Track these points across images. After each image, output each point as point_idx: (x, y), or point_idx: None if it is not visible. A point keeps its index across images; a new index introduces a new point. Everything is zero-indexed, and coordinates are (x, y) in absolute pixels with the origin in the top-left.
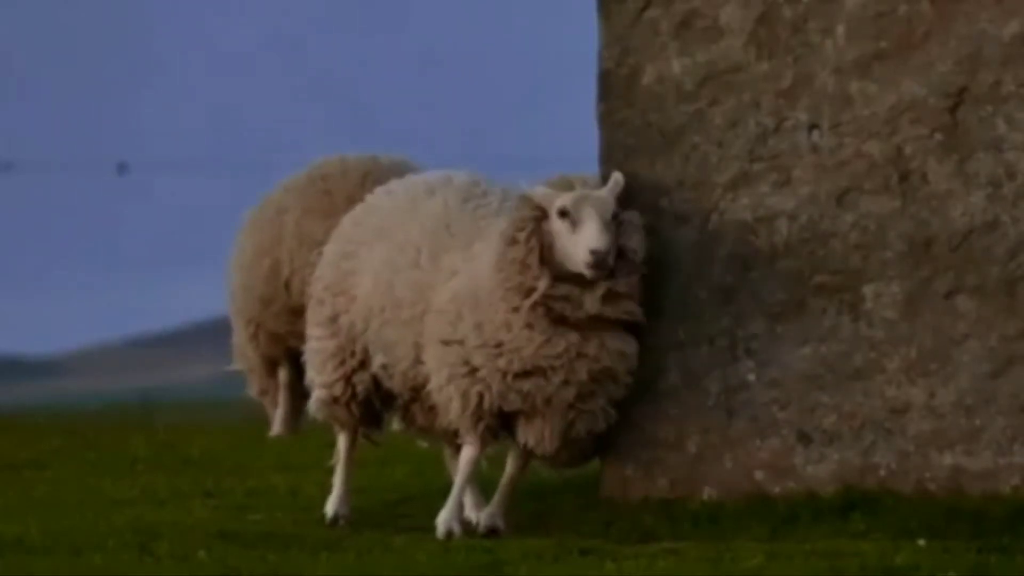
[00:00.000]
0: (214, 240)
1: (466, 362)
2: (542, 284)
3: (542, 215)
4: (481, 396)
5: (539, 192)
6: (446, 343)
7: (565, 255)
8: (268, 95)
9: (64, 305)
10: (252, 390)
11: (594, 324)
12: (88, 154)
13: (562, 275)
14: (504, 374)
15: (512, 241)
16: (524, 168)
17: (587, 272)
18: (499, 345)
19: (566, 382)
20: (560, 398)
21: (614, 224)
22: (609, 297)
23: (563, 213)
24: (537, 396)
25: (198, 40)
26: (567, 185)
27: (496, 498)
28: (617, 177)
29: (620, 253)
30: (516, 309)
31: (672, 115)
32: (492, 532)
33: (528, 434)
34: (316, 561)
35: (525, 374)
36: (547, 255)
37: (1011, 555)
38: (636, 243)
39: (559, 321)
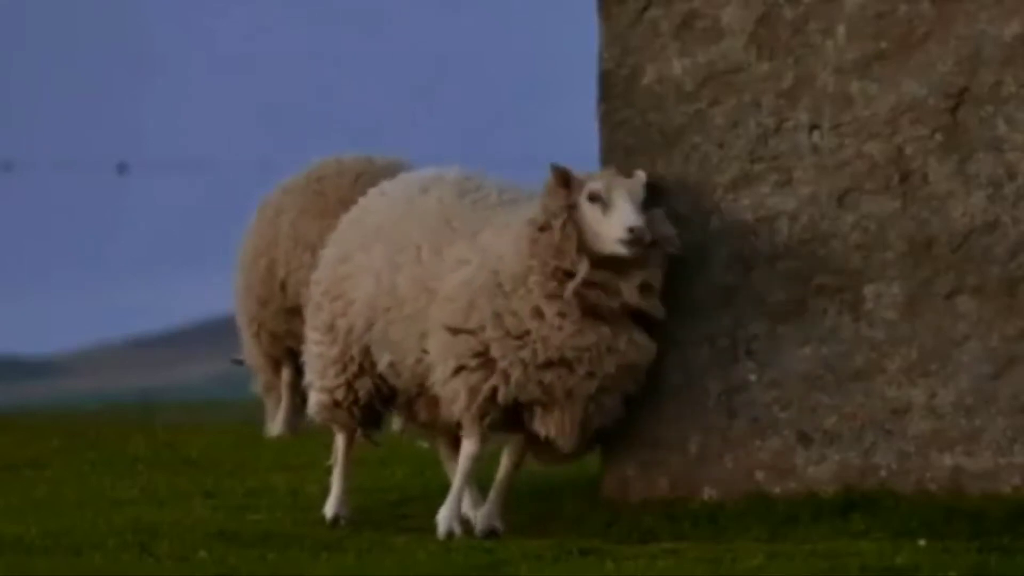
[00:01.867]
0: (214, 240)
1: (478, 353)
2: (583, 268)
3: (572, 201)
4: (494, 389)
5: (565, 173)
6: (454, 331)
7: (597, 239)
8: (268, 95)
9: (64, 305)
10: (258, 387)
11: (622, 317)
12: (88, 154)
13: (596, 262)
14: (526, 364)
15: (545, 227)
16: (524, 168)
17: (624, 250)
18: (524, 335)
19: (591, 374)
20: (582, 390)
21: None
22: (645, 288)
23: (593, 197)
24: (558, 387)
25: (198, 40)
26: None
27: (492, 498)
28: (640, 173)
29: (652, 242)
30: (551, 296)
31: (672, 115)
32: (491, 533)
33: (547, 425)
34: (316, 561)
35: (548, 364)
36: (579, 242)
37: (1011, 555)
38: (670, 232)
39: (590, 312)
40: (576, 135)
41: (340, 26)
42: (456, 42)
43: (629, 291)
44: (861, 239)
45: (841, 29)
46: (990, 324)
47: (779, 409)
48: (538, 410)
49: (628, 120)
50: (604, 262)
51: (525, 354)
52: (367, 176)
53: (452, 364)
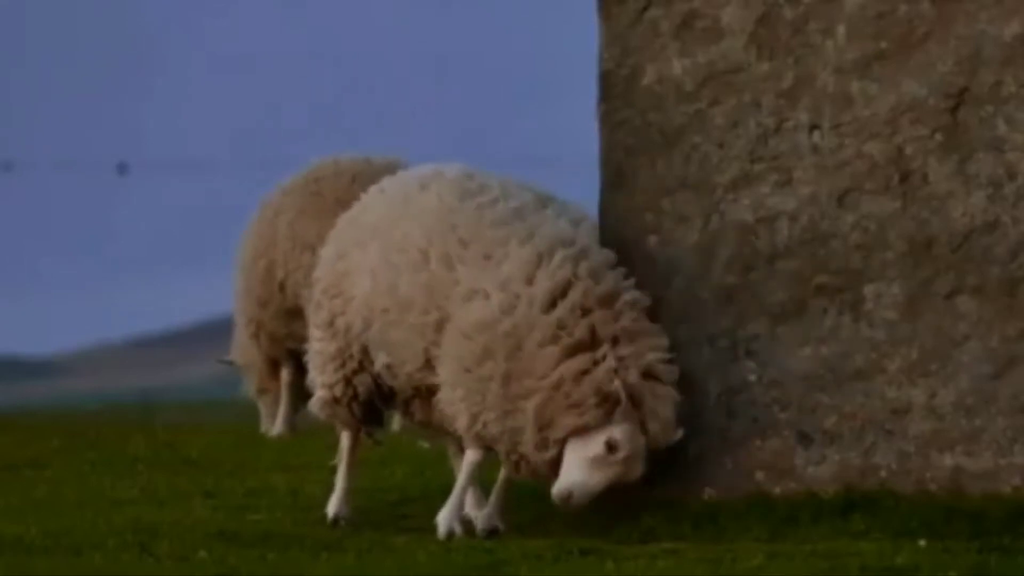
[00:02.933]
0: (214, 240)
1: (482, 394)
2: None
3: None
4: (485, 424)
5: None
6: (467, 371)
7: (570, 463)
8: (268, 95)
9: (64, 305)
10: (250, 389)
11: None
12: (88, 154)
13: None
14: (503, 429)
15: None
16: (524, 168)
17: (556, 500)
18: (516, 412)
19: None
20: (537, 459)
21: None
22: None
23: (611, 446)
24: (528, 452)
25: (198, 40)
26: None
27: (493, 498)
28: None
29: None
30: (575, 406)
31: (672, 115)
32: (491, 533)
33: (521, 473)
34: (316, 561)
35: (522, 436)
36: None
37: (1011, 555)
38: (662, 423)
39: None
40: (576, 135)
41: (340, 26)
42: (456, 42)
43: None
44: (861, 239)
45: (841, 29)
46: (990, 324)
47: (779, 409)
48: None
49: (628, 120)
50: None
51: (509, 423)
52: (365, 176)
53: (460, 393)
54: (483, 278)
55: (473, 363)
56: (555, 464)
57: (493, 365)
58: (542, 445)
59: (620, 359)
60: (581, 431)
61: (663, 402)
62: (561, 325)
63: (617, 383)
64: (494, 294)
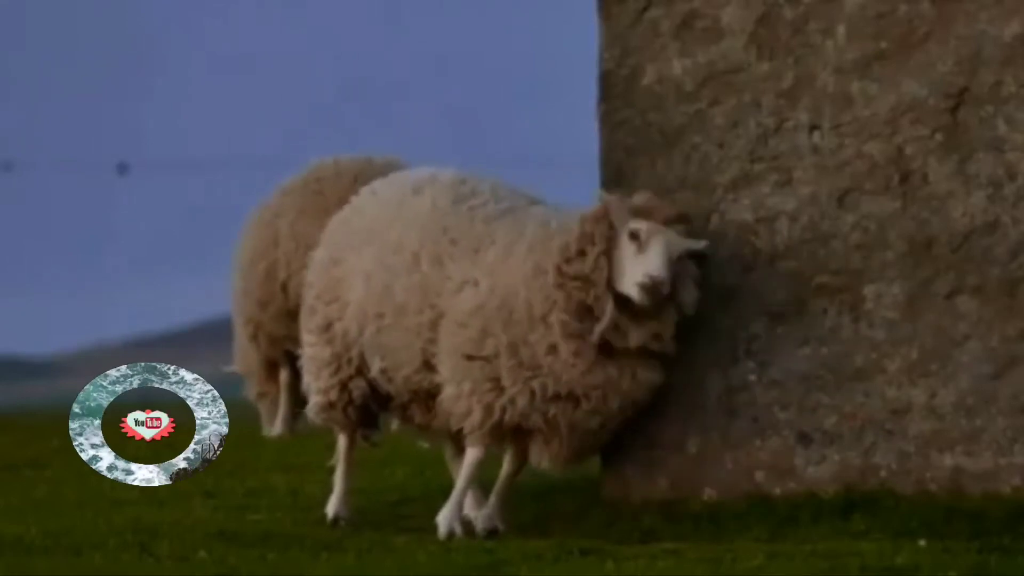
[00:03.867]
0: (214, 240)
1: (493, 378)
2: (609, 309)
3: (611, 233)
4: (504, 410)
5: (614, 204)
6: (470, 358)
7: (620, 275)
8: (268, 95)
9: (64, 305)
10: (250, 393)
11: (631, 355)
12: (88, 154)
13: (616, 302)
14: (534, 395)
15: (579, 254)
16: (524, 168)
17: (637, 295)
18: (536, 368)
19: (595, 411)
20: (584, 425)
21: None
22: (656, 337)
23: (634, 235)
24: (562, 420)
25: (198, 40)
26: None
27: (493, 498)
28: (689, 242)
29: (671, 297)
30: (570, 336)
31: (673, 115)
32: (492, 533)
33: (542, 455)
34: (316, 561)
35: (556, 398)
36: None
37: (1011, 555)
38: (691, 298)
39: (603, 350)
40: (576, 135)
41: (341, 26)
42: (456, 42)
43: (638, 336)
44: (861, 239)
45: (841, 29)
46: (990, 324)
47: (779, 409)
48: (537, 438)
49: (628, 120)
50: (623, 303)
51: (535, 385)
52: (366, 176)
53: (468, 387)
54: (472, 269)
55: (474, 348)
56: (593, 369)
57: (495, 341)
58: (578, 352)
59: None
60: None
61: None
62: (542, 270)
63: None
64: (483, 280)
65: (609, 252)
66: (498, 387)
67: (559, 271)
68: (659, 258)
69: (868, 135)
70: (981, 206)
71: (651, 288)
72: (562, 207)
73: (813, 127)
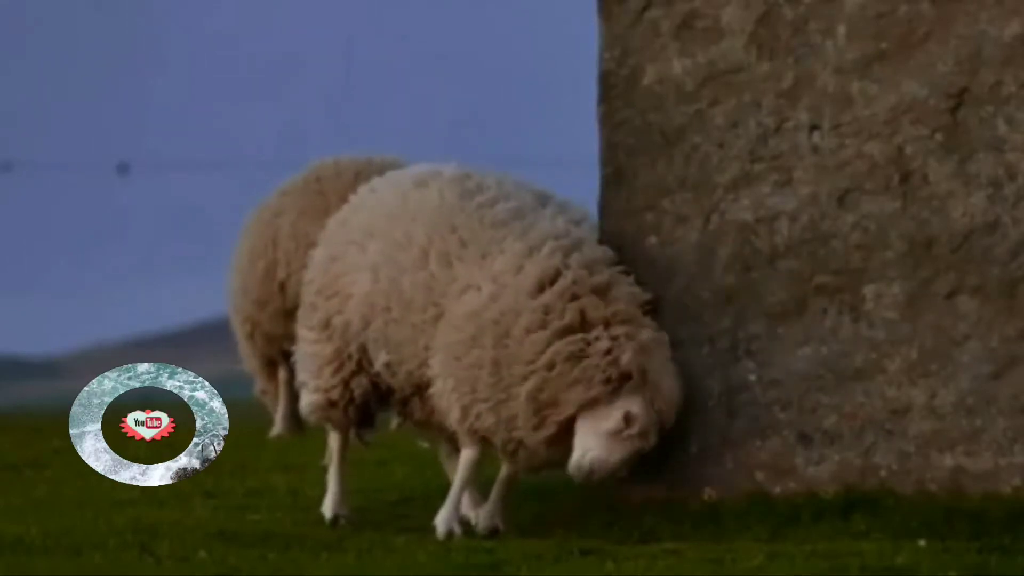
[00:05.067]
0: (214, 240)
1: (474, 385)
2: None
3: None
4: (478, 417)
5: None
6: (457, 359)
7: (586, 434)
8: (269, 95)
9: (64, 305)
10: (257, 389)
11: None
12: (88, 154)
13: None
14: (499, 420)
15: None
16: (524, 168)
17: (577, 472)
18: (512, 398)
19: (552, 458)
20: (542, 456)
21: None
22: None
23: (628, 420)
24: (522, 454)
25: (199, 39)
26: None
27: (493, 497)
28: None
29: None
30: (578, 382)
31: (673, 115)
32: (492, 533)
33: (517, 464)
34: (316, 561)
35: (519, 440)
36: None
37: (1011, 555)
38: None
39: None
40: (576, 135)
41: (341, 26)
42: (456, 42)
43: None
44: (861, 239)
45: (841, 29)
46: (990, 324)
47: (779, 409)
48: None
49: (628, 120)
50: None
51: (504, 411)
52: (366, 175)
53: (451, 383)
54: (478, 275)
55: (462, 351)
56: (553, 443)
57: (480, 353)
58: (539, 425)
59: (614, 338)
60: (591, 405)
61: (668, 376)
62: (548, 310)
63: (628, 356)
64: (485, 286)
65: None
66: (474, 394)
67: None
68: (620, 457)
69: (868, 135)
70: (981, 206)
71: (589, 476)
72: (570, 204)
73: (813, 127)
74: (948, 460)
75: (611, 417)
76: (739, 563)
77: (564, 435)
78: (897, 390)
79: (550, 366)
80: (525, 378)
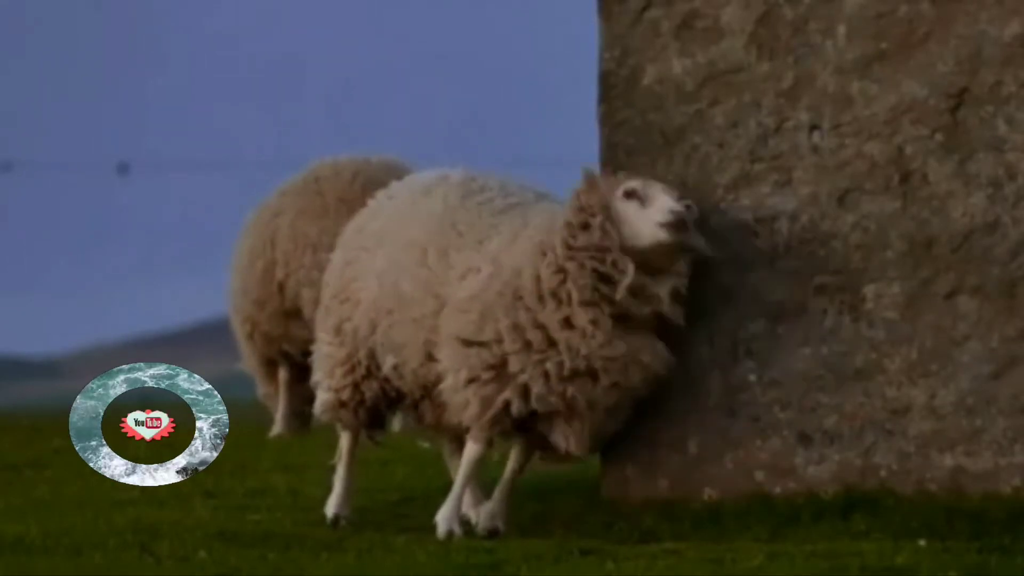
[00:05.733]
0: (214, 240)
1: (491, 365)
2: (629, 268)
3: (605, 201)
4: (507, 403)
5: (600, 174)
6: (467, 343)
7: (636, 234)
8: (269, 95)
9: (64, 305)
10: (260, 394)
11: (647, 327)
12: (88, 154)
13: (635, 263)
14: (549, 377)
15: (583, 227)
16: (524, 169)
17: (666, 234)
18: (549, 347)
19: (615, 385)
20: (604, 401)
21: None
22: (675, 296)
23: (630, 194)
24: (580, 399)
25: (199, 39)
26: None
27: (495, 498)
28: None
29: (680, 249)
30: (586, 304)
31: (673, 115)
32: (492, 533)
33: (566, 437)
34: (316, 561)
35: (574, 375)
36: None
37: (1011, 555)
38: (701, 242)
39: (620, 320)
40: (576, 135)
41: (341, 27)
42: (456, 42)
43: (662, 297)
44: (861, 239)
45: (841, 29)
46: (990, 324)
47: (779, 409)
48: (558, 421)
49: (628, 120)
50: (641, 264)
51: (549, 366)
52: (365, 175)
53: (464, 375)
54: (477, 258)
55: (472, 333)
56: (611, 341)
57: (495, 326)
58: (593, 330)
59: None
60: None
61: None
62: (548, 247)
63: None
64: (484, 267)
65: (610, 219)
66: (500, 375)
67: (567, 247)
68: (669, 196)
69: (868, 135)
70: (981, 206)
71: (676, 222)
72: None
73: (813, 127)
74: (948, 460)
75: (623, 207)
76: (739, 563)
77: (618, 331)
78: (897, 390)
79: (576, 263)
80: (559, 300)
